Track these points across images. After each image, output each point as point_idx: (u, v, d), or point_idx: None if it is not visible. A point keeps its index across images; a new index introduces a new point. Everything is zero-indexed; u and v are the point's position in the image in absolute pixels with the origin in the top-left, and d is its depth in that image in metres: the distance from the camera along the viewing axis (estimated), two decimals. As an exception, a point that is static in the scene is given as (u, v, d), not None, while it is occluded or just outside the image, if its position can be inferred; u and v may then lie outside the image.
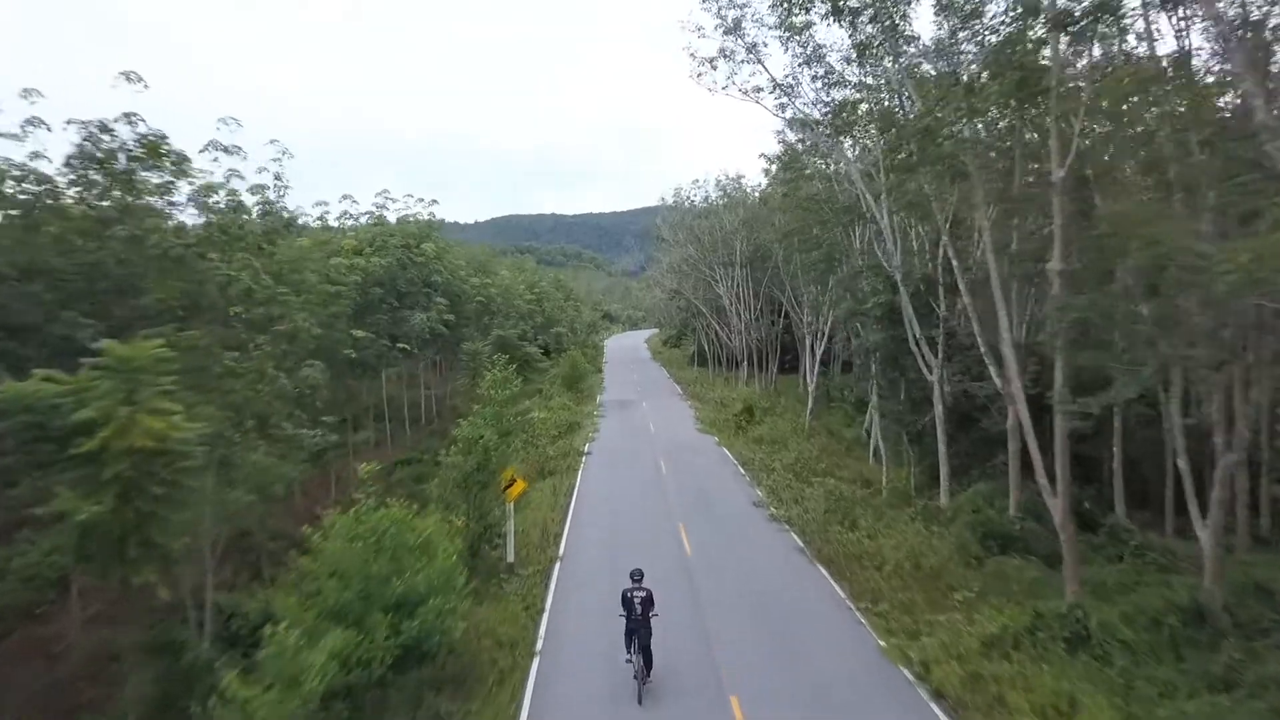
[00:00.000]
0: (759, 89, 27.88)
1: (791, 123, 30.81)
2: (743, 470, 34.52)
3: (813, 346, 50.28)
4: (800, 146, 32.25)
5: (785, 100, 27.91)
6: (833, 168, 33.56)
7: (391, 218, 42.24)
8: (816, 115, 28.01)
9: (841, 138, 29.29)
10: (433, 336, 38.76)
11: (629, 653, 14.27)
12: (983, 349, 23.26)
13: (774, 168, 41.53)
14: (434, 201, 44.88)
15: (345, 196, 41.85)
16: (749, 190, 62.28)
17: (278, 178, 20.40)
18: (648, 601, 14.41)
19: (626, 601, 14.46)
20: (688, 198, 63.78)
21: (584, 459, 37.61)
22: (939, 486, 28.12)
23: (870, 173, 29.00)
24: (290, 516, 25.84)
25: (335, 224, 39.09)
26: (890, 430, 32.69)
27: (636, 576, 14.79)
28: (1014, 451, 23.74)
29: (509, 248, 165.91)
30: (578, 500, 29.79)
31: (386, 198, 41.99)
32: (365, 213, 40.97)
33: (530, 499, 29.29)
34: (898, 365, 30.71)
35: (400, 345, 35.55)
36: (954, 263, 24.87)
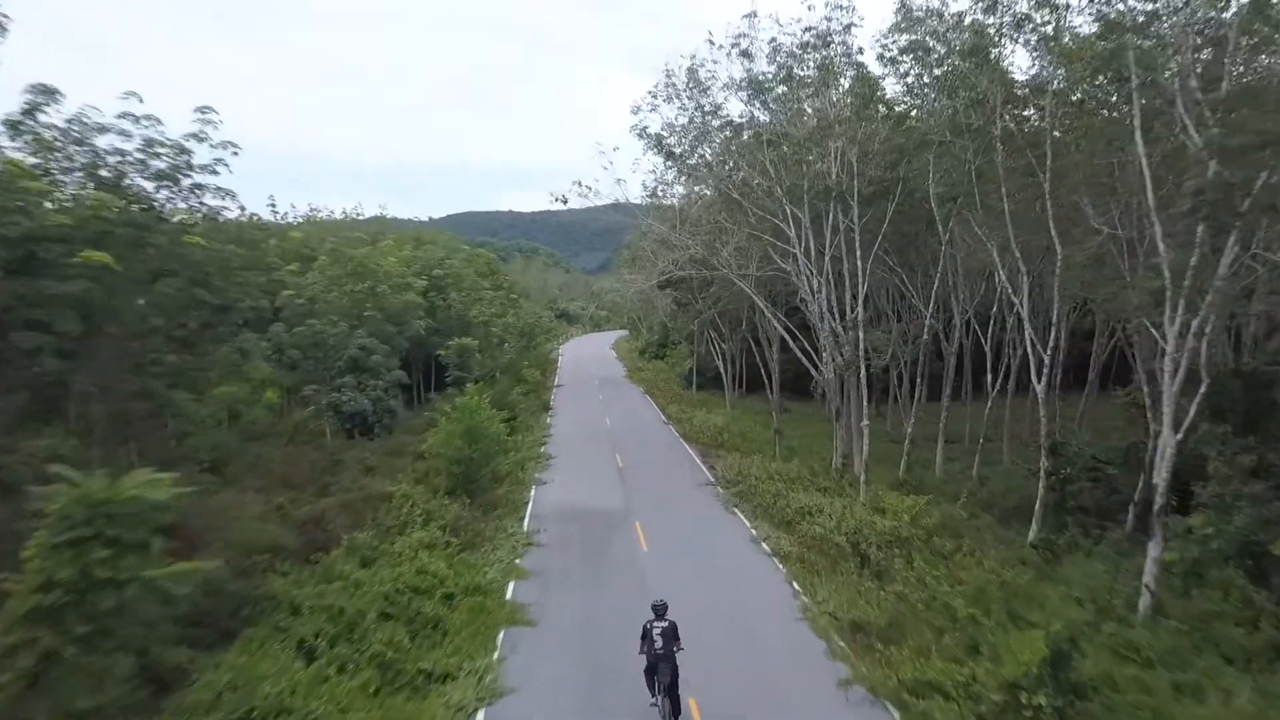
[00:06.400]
0: None
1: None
2: None
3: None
4: None
5: None
6: None
7: None
8: None
9: None
10: None
11: (653, 696, 11.88)
12: None
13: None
14: None
15: None
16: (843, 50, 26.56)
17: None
18: (671, 635, 11.78)
19: (646, 635, 11.88)
20: (734, 49, 27.40)
21: None
22: None
23: None
24: None
25: None
26: None
27: (659, 609, 12.09)
28: None
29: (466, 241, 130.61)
30: None
31: None
32: None
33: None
34: None
35: None
36: None
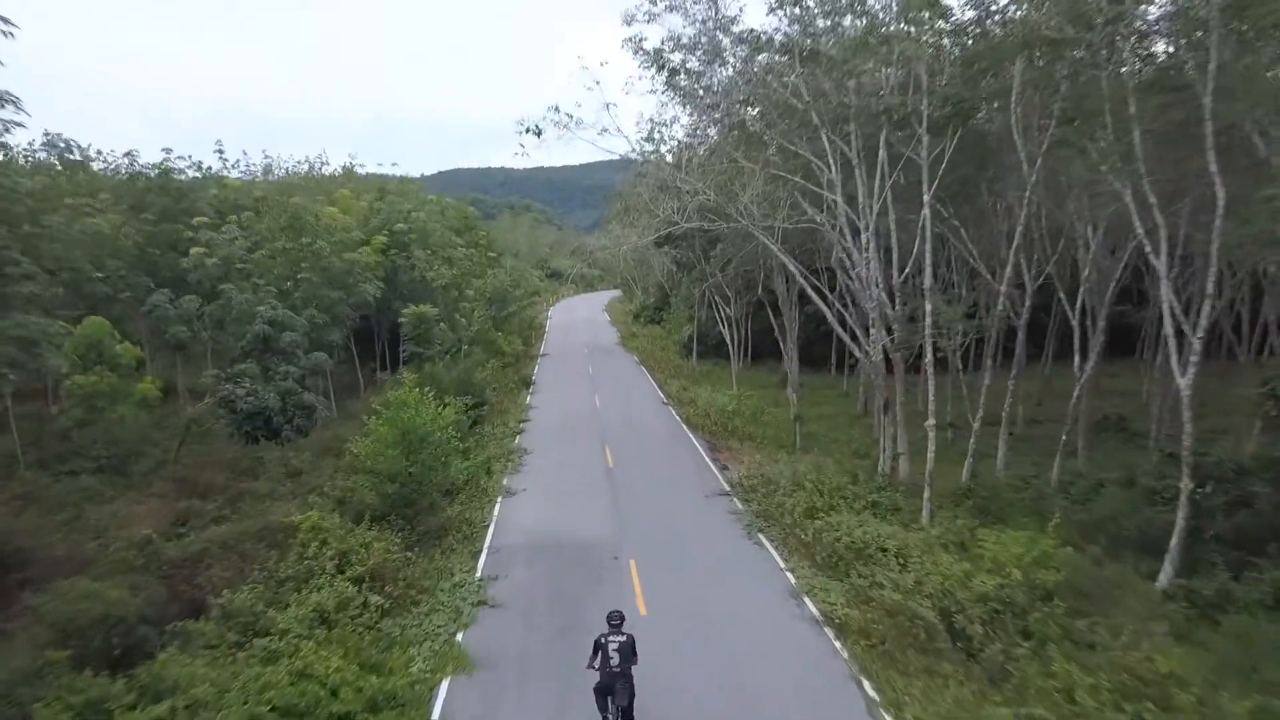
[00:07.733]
0: None
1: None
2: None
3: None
4: None
5: None
6: None
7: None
8: None
9: None
10: None
11: (604, 717, 10.38)
12: None
13: None
14: None
15: None
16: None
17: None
18: (629, 650, 10.46)
19: (600, 649, 10.49)
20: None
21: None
22: None
23: None
24: None
25: None
26: None
27: (615, 620, 10.79)
28: None
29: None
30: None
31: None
32: None
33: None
34: None
35: None
36: None
